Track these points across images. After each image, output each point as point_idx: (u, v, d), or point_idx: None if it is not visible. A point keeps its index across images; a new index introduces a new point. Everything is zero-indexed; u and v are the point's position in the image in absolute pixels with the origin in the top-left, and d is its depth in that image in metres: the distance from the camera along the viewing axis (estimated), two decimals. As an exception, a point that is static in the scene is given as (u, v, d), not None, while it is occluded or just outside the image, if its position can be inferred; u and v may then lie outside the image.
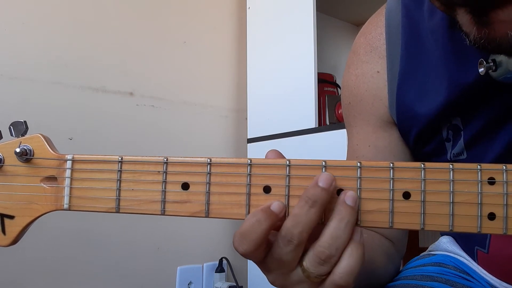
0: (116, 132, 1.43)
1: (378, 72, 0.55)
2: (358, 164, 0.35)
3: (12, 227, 0.38)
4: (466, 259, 0.58)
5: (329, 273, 0.35)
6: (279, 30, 1.57)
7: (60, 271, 1.28)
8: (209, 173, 0.36)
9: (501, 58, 0.40)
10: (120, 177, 0.37)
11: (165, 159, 0.37)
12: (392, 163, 0.35)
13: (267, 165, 0.36)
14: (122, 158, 0.37)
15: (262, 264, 0.37)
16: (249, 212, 0.36)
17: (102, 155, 0.38)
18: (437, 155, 0.53)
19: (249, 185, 0.36)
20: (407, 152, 0.56)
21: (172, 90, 1.58)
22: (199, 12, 1.68)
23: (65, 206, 0.37)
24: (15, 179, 0.38)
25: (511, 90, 0.44)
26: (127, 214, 0.37)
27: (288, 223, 0.34)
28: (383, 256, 0.53)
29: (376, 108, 0.56)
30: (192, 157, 0.37)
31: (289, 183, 0.36)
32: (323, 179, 0.34)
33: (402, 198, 0.35)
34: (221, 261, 1.61)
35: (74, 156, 0.38)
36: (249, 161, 0.36)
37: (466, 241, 0.58)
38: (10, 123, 0.38)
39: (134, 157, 0.37)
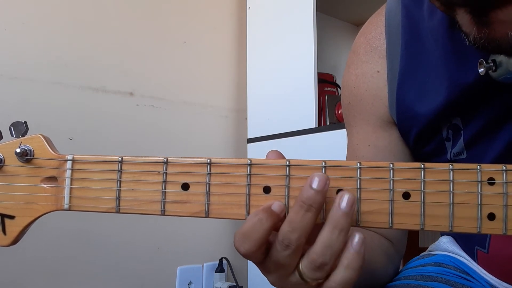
0: (116, 132, 1.43)
1: (378, 72, 0.55)
2: (358, 164, 0.35)
3: (13, 227, 0.38)
4: (466, 259, 0.58)
5: (327, 275, 0.35)
6: (279, 30, 1.57)
7: (60, 271, 1.28)
8: (209, 174, 0.36)
9: (501, 58, 0.40)
10: (120, 177, 0.37)
11: (165, 160, 0.37)
12: (392, 163, 0.35)
13: (267, 165, 0.36)
14: (122, 159, 0.37)
15: (262, 265, 0.37)
16: (249, 213, 0.36)
17: (102, 156, 0.38)
18: (437, 155, 0.53)
19: (249, 185, 0.36)
20: (407, 152, 0.56)
21: (172, 90, 1.58)
22: (199, 12, 1.68)
23: (65, 206, 0.37)
24: (15, 179, 0.38)
25: (511, 90, 0.44)
26: (127, 214, 0.37)
27: (284, 228, 0.34)
28: (382, 257, 0.53)
29: (376, 108, 0.56)
30: (192, 158, 0.37)
31: (289, 183, 0.36)
32: (316, 181, 0.33)
33: (402, 199, 0.35)
34: (221, 261, 1.61)
35: (74, 156, 0.38)
36: (249, 161, 0.36)
37: (466, 241, 0.58)
38: (11, 123, 0.38)
39: (134, 158, 0.37)
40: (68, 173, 0.37)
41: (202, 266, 1.59)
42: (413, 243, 1.37)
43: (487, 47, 0.36)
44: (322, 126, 1.43)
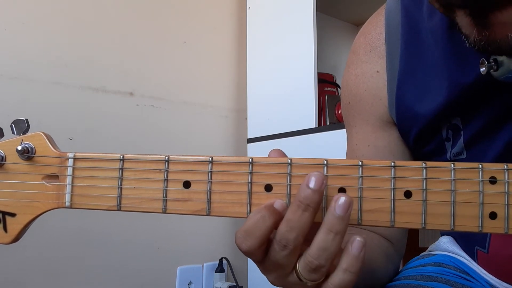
0: (116, 132, 1.43)
1: (377, 72, 0.55)
2: (360, 163, 0.35)
3: (14, 225, 0.38)
4: (466, 259, 0.58)
5: (326, 277, 0.35)
6: (279, 30, 1.57)
7: (60, 270, 1.28)
8: (211, 172, 0.36)
9: (502, 58, 0.40)
10: (122, 175, 0.37)
11: (166, 158, 0.37)
12: (394, 162, 0.35)
13: (269, 163, 0.36)
14: (123, 156, 0.37)
15: (261, 265, 0.37)
16: (250, 211, 0.36)
17: (103, 153, 0.38)
18: (437, 155, 0.53)
19: (251, 183, 0.36)
20: (407, 152, 0.56)
21: (172, 90, 1.58)
22: (199, 12, 1.68)
23: (67, 204, 0.37)
24: (16, 177, 0.38)
25: (511, 90, 0.44)
26: (127, 213, 0.37)
27: (282, 228, 0.34)
28: (382, 257, 0.53)
29: (376, 108, 0.56)
30: (194, 156, 0.37)
31: (290, 181, 0.36)
32: (313, 180, 0.33)
33: (404, 197, 0.35)
34: (221, 261, 1.60)
35: (76, 154, 0.38)
36: (250, 159, 0.36)
37: (466, 241, 0.58)
38: (12, 121, 0.38)
39: (135, 155, 0.37)
40: (69, 170, 0.37)
41: (202, 266, 1.59)
42: (413, 243, 1.37)
43: (488, 49, 0.36)
44: (322, 126, 1.43)
